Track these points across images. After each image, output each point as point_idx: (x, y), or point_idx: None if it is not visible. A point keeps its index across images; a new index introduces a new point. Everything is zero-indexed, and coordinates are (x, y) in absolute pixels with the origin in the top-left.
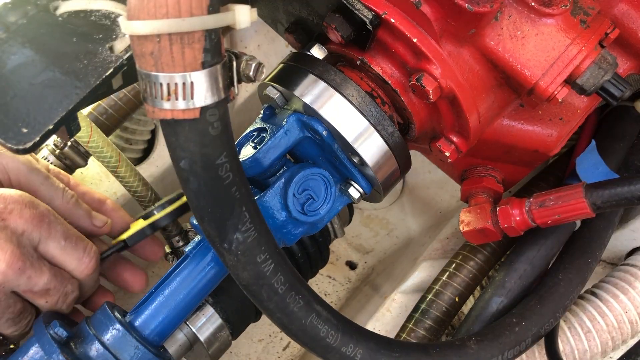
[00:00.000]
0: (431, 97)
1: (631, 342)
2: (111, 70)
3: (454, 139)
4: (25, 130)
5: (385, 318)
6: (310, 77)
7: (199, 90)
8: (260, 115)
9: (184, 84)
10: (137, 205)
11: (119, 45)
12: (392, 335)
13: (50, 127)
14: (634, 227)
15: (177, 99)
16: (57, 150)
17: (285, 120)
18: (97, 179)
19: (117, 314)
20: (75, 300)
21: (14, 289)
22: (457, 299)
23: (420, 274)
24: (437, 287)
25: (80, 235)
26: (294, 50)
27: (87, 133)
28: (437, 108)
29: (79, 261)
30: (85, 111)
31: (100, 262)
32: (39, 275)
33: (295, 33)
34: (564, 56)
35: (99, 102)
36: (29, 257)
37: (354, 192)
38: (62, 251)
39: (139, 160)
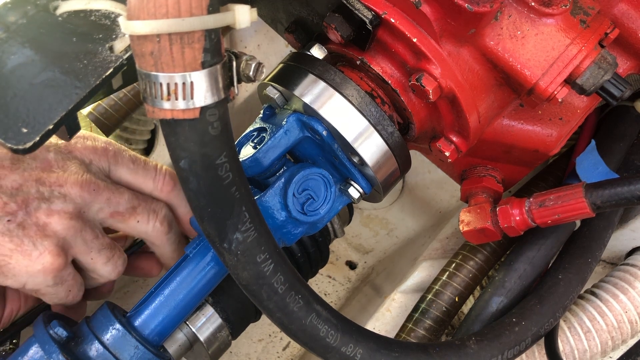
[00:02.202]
0: (431, 97)
1: (631, 342)
2: (111, 70)
3: (454, 138)
4: (25, 130)
5: (385, 318)
6: (310, 77)
7: (198, 90)
8: (260, 115)
9: (183, 83)
10: None
11: (119, 45)
12: (392, 335)
13: (50, 127)
14: (634, 227)
15: (177, 98)
16: None
17: (285, 120)
18: None
19: (117, 314)
20: (171, 222)
21: (98, 215)
22: (457, 299)
23: (420, 273)
24: (437, 287)
25: (148, 159)
26: (293, 50)
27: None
28: (437, 108)
29: (154, 180)
30: (85, 111)
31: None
32: (117, 195)
33: (295, 33)
34: (563, 56)
35: (99, 102)
36: (102, 180)
37: (354, 192)
38: (135, 174)
39: None
